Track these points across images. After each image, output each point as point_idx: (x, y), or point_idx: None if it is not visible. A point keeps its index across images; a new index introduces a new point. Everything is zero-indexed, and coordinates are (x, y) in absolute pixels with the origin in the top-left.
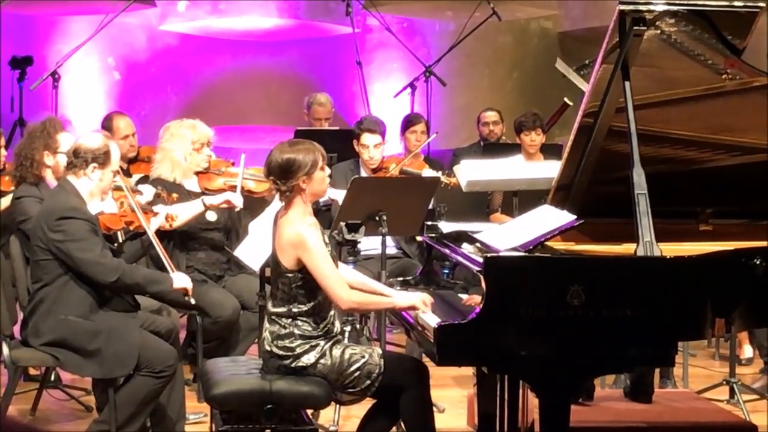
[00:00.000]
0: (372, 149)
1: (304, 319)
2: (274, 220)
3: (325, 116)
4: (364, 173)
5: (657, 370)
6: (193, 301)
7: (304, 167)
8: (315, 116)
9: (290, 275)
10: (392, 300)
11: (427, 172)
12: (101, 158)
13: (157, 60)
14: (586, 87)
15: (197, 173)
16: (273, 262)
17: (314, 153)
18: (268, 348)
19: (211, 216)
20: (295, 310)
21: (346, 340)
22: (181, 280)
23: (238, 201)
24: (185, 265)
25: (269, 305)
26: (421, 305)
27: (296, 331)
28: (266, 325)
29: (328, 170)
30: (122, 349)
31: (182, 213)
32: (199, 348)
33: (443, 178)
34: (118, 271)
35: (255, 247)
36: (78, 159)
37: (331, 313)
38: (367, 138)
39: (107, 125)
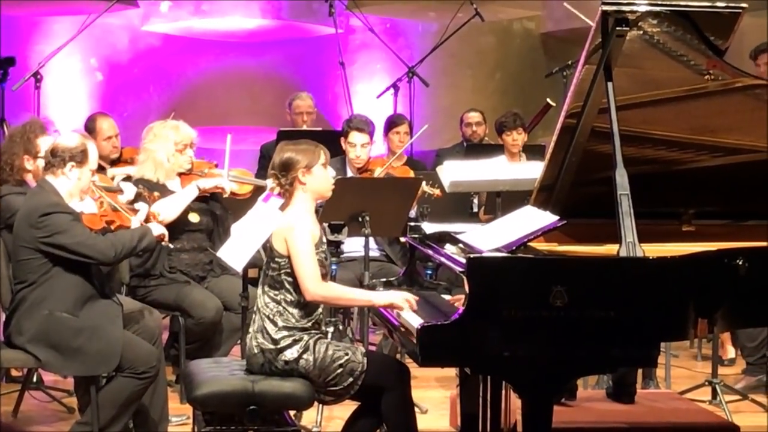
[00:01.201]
0: (359, 148)
1: (290, 309)
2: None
3: (307, 110)
4: (349, 172)
5: (639, 371)
6: (171, 246)
7: (304, 160)
8: (296, 111)
9: (280, 260)
10: (370, 297)
11: None
12: (79, 157)
13: (139, 61)
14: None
15: (180, 174)
16: (268, 247)
17: (315, 149)
18: (252, 344)
19: (194, 217)
20: (280, 297)
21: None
22: (157, 229)
23: (228, 185)
24: (168, 265)
25: (260, 292)
26: (403, 303)
27: (279, 322)
28: (253, 320)
29: (332, 171)
30: (105, 347)
31: (177, 202)
32: (181, 349)
33: (427, 189)
34: (113, 245)
35: (238, 248)
36: (56, 158)
37: (319, 311)
38: (355, 136)
39: (90, 126)
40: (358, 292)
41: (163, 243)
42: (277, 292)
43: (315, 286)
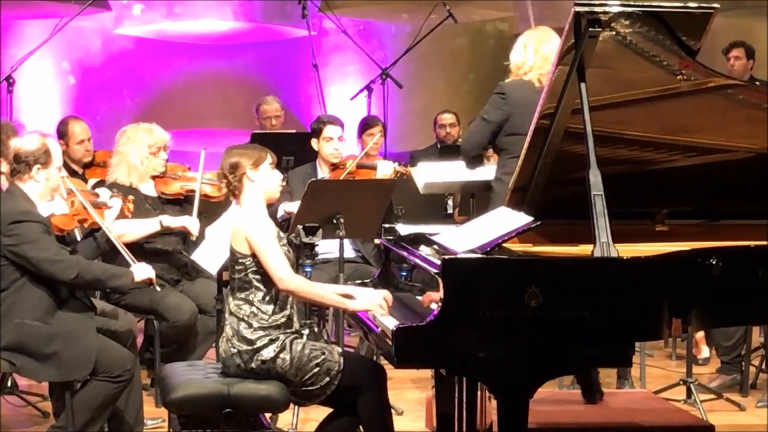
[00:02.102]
0: (336, 141)
1: (263, 307)
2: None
3: (274, 114)
4: (321, 174)
5: (613, 371)
6: (158, 288)
7: (251, 159)
8: (264, 115)
9: (244, 261)
10: (344, 303)
11: (383, 163)
12: (43, 158)
13: (112, 64)
14: None
15: (154, 177)
16: (230, 254)
17: (262, 151)
18: (228, 346)
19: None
20: (251, 297)
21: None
22: (142, 272)
23: (194, 228)
24: None
25: (230, 299)
26: (377, 309)
27: (254, 323)
28: (226, 322)
29: (279, 174)
30: (80, 352)
31: (137, 229)
32: (156, 352)
33: (399, 168)
34: (77, 267)
35: (212, 251)
36: (20, 164)
37: (291, 305)
38: (331, 130)
39: (62, 130)
40: (332, 294)
41: (150, 286)
42: (247, 293)
43: (287, 275)
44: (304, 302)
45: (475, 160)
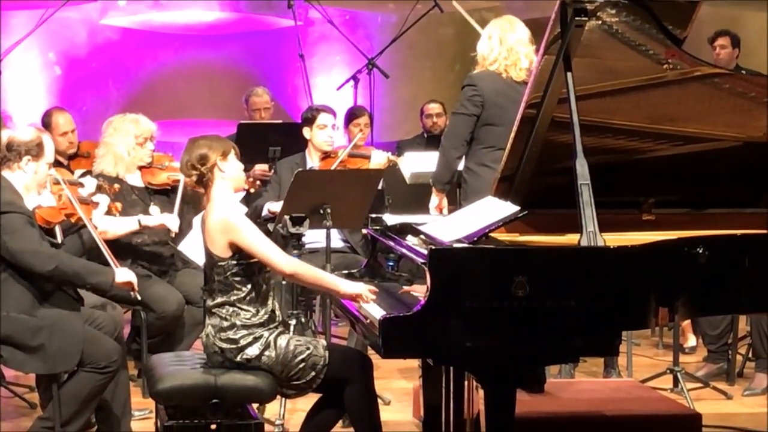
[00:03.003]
0: (330, 129)
1: (245, 307)
2: (201, 219)
3: (264, 106)
4: (311, 163)
5: (600, 360)
6: (138, 297)
7: (219, 149)
8: (253, 107)
9: (223, 264)
10: (337, 284)
11: (376, 152)
12: (34, 150)
13: (98, 54)
14: (479, 29)
15: (140, 168)
16: (206, 255)
17: (226, 140)
18: (211, 343)
19: (155, 211)
20: (233, 298)
21: (291, 333)
22: (123, 275)
23: (173, 225)
24: (130, 260)
25: (209, 301)
26: (367, 294)
27: (237, 322)
28: (207, 321)
29: (241, 165)
30: (66, 344)
31: (116, 227)
32: (143, 343)
33: (392, 157)
34: (55, 260)
35: (199, 241)
36: (11, 153)
37: (273, 300)
38: (324, 117)
39: (47, 121)
40: (326, 274)
41: (131, 293)
42: (228, 295)
43: (286, 261)
44: (291, 293)
45: (458, 160)
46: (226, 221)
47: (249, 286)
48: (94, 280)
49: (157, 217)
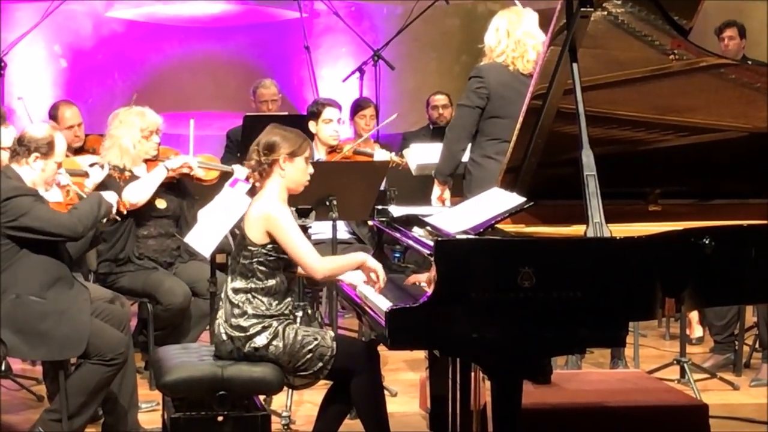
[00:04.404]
0: (335, 123)
1: (260, 297)
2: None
3: (271, 98)
4: (318, 156)
5: (607, 351)
6: (124, 211)
7: (289, 147)
8: (261, 99)
9: (254, 249)
10: (359, 260)
11: (380, 152)
12: (44, 148)
13: (103, 47)
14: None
15: (146, 161)
16: (240, 235)
17: (304, 141)
18: (221, 331)
19: (161, 203)
20: (251, 285)
21: (298, 324)
22: (111, 197)
23: (194, 163)
24: (136, 252)
25: (229, 280)
26: (380, 271)
27: (249, 310)
28: (220, 306)
29: (311, 168)
30: (72, 332)
31: (146, 185)
32: (150, 335)
33: (394, 158)
34: (78, 219)
35: (205, 233)
36: (21, 147)
37: (289, 299)
38: (330, 112)
39: (53, 114)
40: (349, 259)
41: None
42: (247, 281)
43: (320, 264)
44: (298, 284)
45: (461, 152)
46: (268, 215)
47: (270, 280)
48: (103, 211)
49: (178, 158)
